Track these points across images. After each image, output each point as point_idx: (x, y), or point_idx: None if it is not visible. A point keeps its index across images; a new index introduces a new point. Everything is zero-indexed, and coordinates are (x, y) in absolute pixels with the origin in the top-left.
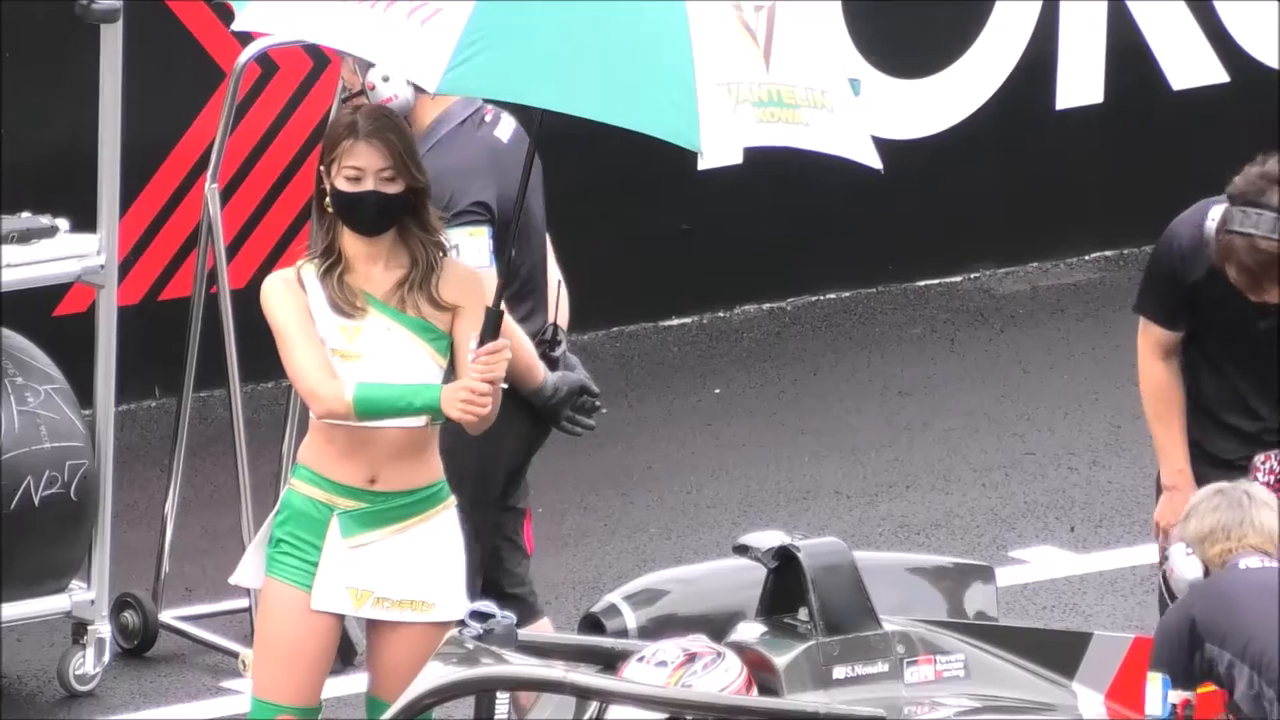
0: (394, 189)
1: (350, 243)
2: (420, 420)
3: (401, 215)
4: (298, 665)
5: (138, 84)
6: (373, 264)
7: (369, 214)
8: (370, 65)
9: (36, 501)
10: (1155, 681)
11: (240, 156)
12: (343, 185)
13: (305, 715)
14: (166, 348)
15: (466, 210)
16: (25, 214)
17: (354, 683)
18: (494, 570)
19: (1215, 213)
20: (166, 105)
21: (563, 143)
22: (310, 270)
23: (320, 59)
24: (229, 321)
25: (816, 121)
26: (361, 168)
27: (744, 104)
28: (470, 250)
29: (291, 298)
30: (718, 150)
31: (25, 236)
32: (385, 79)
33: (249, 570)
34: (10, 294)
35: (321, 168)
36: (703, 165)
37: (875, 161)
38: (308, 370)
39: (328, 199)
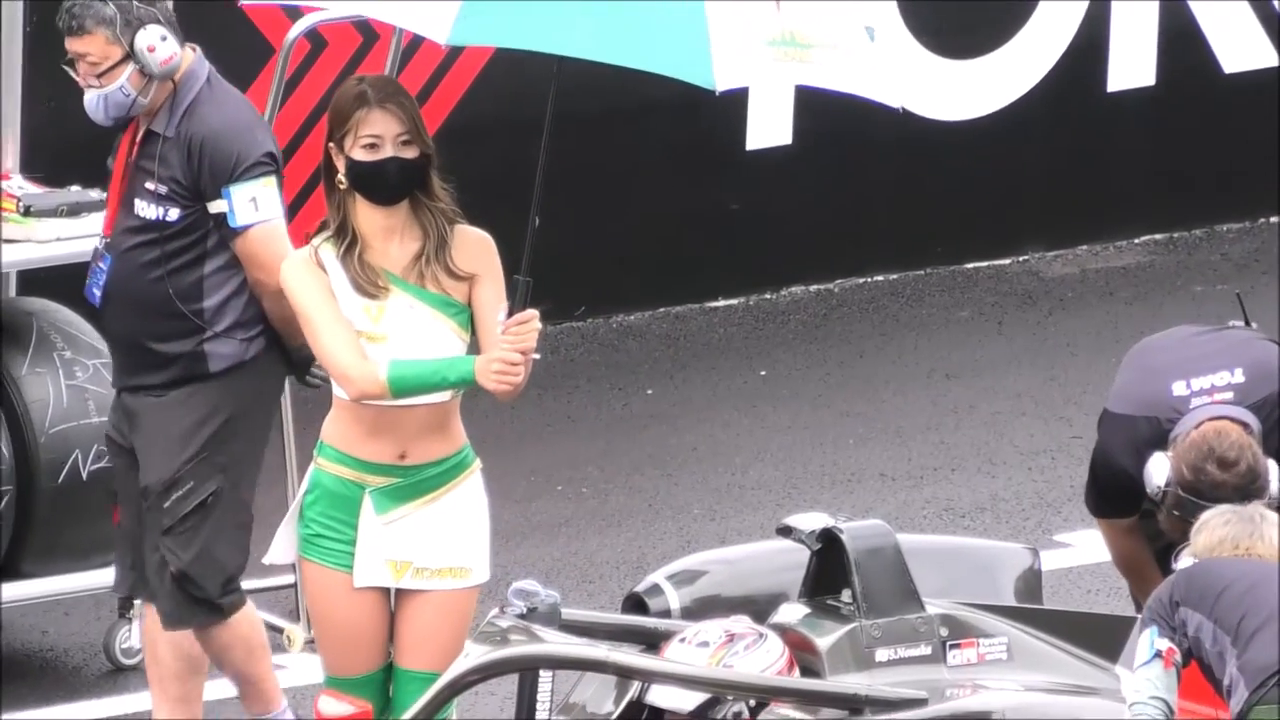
0: (411, 154)
1: (364, 219)
2: (445, 394)
3: (418, 182)
4: (358, 642)
5: None
6: (389, 239)
7: (391, 181)
8: (137, 30)
9: (84, 475)
10: (1145, 633)
11: (290, 131)
12: (360, 155)
13: (377, 679)
14: None
15: (259, 162)
16: (74, 188)
17: None
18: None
19: (1157, 468)
20: None
21: (609, 120)
22: (328, 250)
23: (369, 34)
24: None
25: (830, 61)
26: (380, 135)
27: (757, 42)
28: (267, 202)
29: (313, 278)
30: (732, 85)
31: (75, 210)
32: (164, 38)
33: (280, 548)
34: (59, 268)
35: (331, 144)
36: (720, 88)
37: (895, 100)
38: (338, 352)
39: (340, 175)
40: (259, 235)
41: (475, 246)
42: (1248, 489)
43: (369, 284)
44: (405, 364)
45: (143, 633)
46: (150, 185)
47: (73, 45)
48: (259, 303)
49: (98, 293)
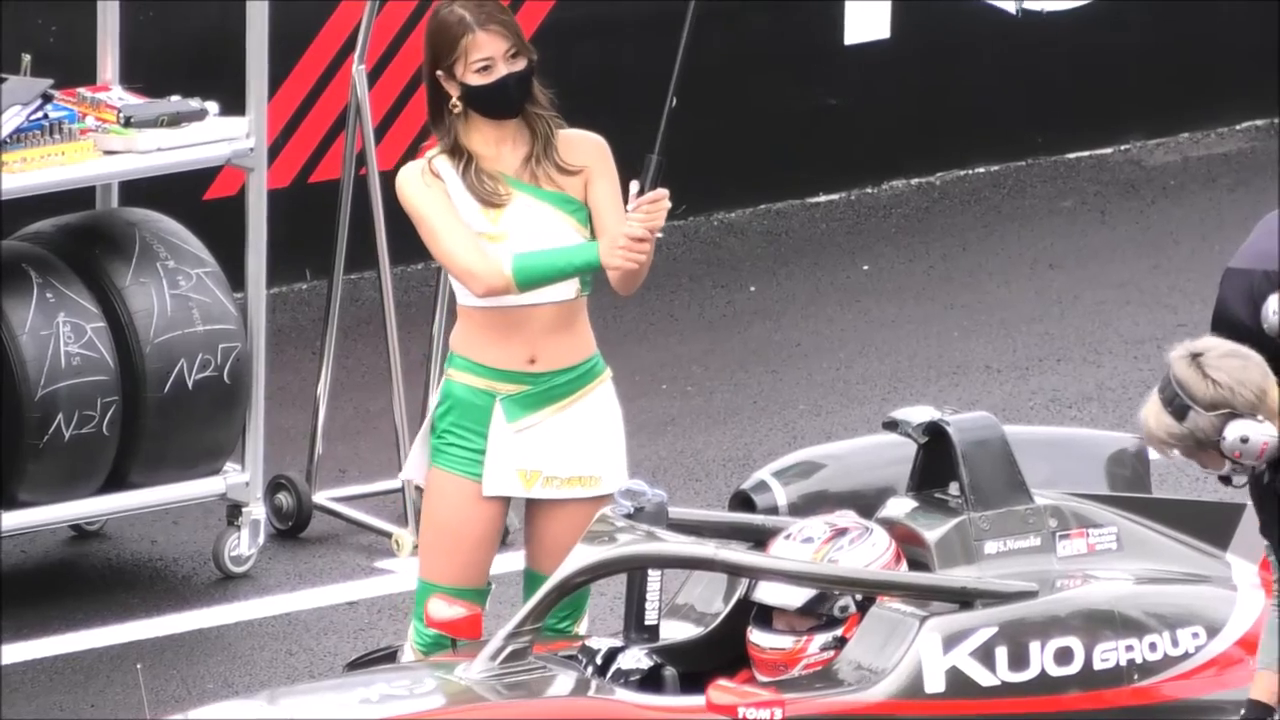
0: (520, 66)
1: (476, 136)
2: (570, 291)
3: (530, 92)
4: (467, 552)
5: None
6: (500, 146)
7: (512, 97)
8: None
9: (190, 385)
10: None
11: (387, 37)
12: (476, 80)
13: (475, 597)
14: (316, 230)
15: None
16: (175, 97)
17: (507, 561)
18: None
19: (1273, 305)
20: None
21: (707, 20)
22: (443, 162)
23: None
24: (378, 203)
25: None
26: (491, 56)
27: None
28: None
29: (429, 187)
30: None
31: (175, 120)
32: None
33: (415, 464)
34: (161, 178)
35: (440, 73)
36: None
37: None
38: (460, 252)
39: (454, 99)
40: None
41: (582, 143)
42: None
43: (490, 193)
44: (528, 255)
45: None
46: None
47: None
48: None
49: None
